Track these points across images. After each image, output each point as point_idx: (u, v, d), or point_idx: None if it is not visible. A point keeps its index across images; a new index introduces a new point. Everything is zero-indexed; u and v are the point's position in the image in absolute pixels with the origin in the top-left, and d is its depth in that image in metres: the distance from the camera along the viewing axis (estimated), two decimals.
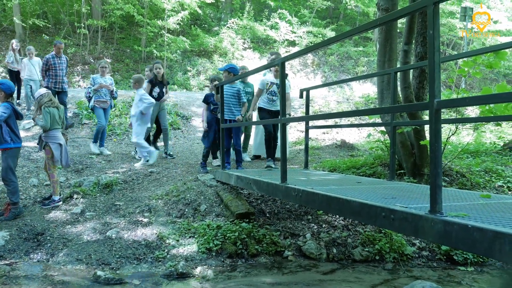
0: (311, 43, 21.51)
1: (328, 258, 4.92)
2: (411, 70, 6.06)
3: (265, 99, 6.45)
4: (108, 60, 20.20)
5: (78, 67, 19.46)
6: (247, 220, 5.24)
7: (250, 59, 21.14)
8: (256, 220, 5.34)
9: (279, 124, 4.32)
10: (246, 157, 7.53)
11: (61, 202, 5.85)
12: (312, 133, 9.87)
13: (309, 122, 6.47)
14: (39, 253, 4.76)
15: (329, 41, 3.64)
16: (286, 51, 21.89)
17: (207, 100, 6.75)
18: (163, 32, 19.52)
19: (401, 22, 13.00)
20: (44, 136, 5.75)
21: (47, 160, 5.81)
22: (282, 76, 4.29)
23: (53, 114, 5.71)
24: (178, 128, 10.18)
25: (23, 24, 19.07)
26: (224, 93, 5.88)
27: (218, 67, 20.32)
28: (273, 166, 6.10)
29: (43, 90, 5.98)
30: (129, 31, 21.91)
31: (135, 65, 19.95)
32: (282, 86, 4.29)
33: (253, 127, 7.65)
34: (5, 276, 4.24)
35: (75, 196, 6.04)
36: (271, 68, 6.57)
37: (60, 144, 5.77)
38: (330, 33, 20.90)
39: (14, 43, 10.27)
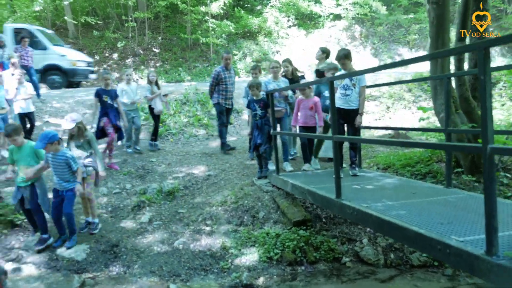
0: (358, 14, 20.81)
1: (386, 264, 5.04)
2: (466, 63, 5.84)
3: (337, 95, 5.56)
4: (157, 50, 20.76)
5: (129, 60, 20.17)
6: (304, 227, 5.43)
7: (295, 37, 20.88)
8: (313, 227, 5.52)
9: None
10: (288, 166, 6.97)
11: (101, 225, 5.94)
12: (363, 120, 9.74)
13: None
14: (117, 266, 5.23)
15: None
16: (332, 25, 21.40)
17: (248, 105, 6.83)
18: (207, 18, 19.67)
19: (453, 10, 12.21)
20: (90, 161, 5.67)
21: (91, 185, 5.65)
22: (332, 88, 4.32)
23: None
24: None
25: (75, 22, 19.93)
26: (50, 161, 5.11)
27: (263, 48, 20.29)
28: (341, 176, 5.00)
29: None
30: (174, 19, 22.25)
31: (182, 53, 20.35)
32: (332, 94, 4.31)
33: None
34: None
35: (141, 205, 6.49)
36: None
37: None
38: (376, 4, 20.03)
39: (151, 74, 8.75)
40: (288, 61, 7.58)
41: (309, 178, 5.79)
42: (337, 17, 21.40)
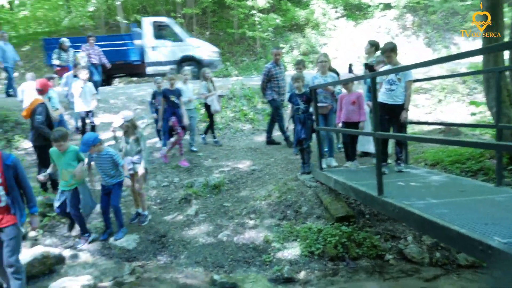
0: (410, 3, 20.07)
1: (431, 263, 4.92)
2: None
3: (382, 90, 5.60)
4: None
5: None
6: (347, 223, 5.41)
7: (344, 28, 20.49)
8: (356, 223, 5.49)
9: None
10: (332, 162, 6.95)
11: (150, 216, 6.24)
12: (413, 114, 9.47)
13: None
14: (164, 255, 5.48)
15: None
16: (382, 15, 20.78)
17: (290, 99, 6.84)
18: (254, 11, 19.74)
19: None
20: (138, 159, 5.91)
21: (141, 181, 5.94)
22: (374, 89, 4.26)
23: None
24: None
25: (126, 21, 20.74)
26: (95, 160, 5.52)
27: (311, 40, 20.10)
28: (386, 172, 5.45)
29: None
30: (221, 14, 22.54)
31: (229, 48, 20.60)
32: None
33: None
34: (139, 278, 5.00)
35: (188, 198, 6.72)
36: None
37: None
38: None
39: (206, 71, 8.93)
40: (324, 56, 7.20)
41: (352, 174, 5.75)
42: (387, 6, 20.73)
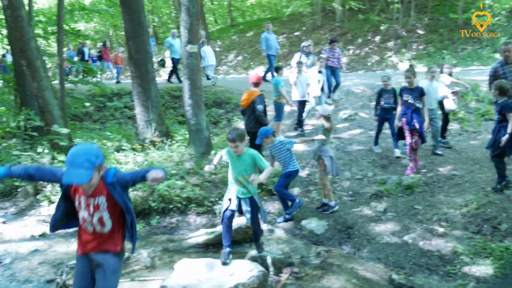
0: None
1: None
2: None
3: None
4: (421, 32, 20.06)
5: (390, 42, 20.26)
6: None
7: None
8: None
9: None
10: None
11: (337, 207, 6.57)
12: None
13: None
14: (348, 246, 5.84)
15: None
16: None
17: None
18: None
19: None
20: (317, 149, 6.31)
21: (320, 171, 6.43)
22: None
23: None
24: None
25: (341, 8, 21.33)
26: (273, 150, 6.08)
27: None
28: None
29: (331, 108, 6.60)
30: None
31: (450, 34, 19.04)
32: None
33: None
34: (323, 262, 5.52)
35: (379, 194, 6.89)
36: None
37: (331, 157, 6.37)
38: None
39: (446, 66, 8.90)
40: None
41: None
42: None
